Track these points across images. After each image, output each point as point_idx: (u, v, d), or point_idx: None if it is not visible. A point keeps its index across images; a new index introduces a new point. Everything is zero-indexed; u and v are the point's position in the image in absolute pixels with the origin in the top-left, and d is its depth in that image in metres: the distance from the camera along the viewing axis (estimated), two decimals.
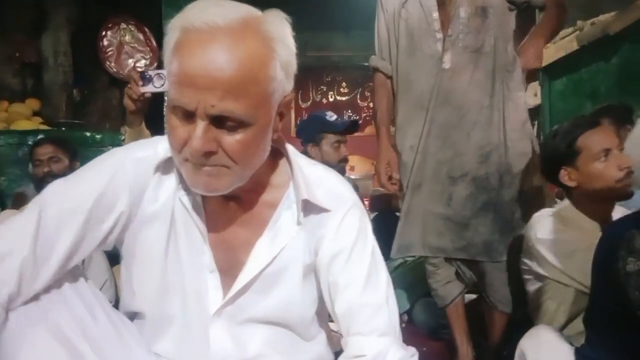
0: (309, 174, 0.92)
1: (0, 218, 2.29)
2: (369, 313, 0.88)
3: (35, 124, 3.74)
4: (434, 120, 1.89)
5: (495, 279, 1.90)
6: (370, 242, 0.93)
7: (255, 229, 0.90)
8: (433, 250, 1.95)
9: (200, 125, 0.75)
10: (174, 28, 0.77)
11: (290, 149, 0.94)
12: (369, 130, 6.65)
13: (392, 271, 2.49)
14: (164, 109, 3.40)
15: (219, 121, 0.76)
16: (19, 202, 2.89)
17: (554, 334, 1.25)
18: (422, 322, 2.33)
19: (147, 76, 1.74)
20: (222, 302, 0.90)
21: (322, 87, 6.89)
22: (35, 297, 0.81)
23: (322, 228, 0.91)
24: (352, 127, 2.59)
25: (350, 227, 0.91)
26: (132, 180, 0.88)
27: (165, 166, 0.89)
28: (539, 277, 1.56)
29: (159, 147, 0.89)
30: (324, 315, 1.01)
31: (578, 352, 1.17)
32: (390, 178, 2.00)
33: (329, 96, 6.84)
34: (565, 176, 1.51)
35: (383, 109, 2.04)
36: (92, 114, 4.18)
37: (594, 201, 1.50)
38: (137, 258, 0.91)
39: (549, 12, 1.92)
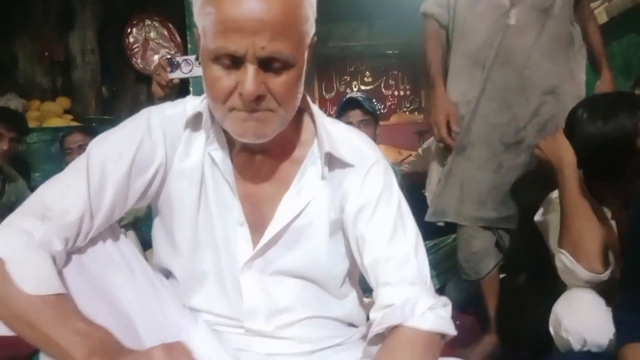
0: (332, 131, 0.93)
1: None
2: (396, 263, 0.88)
3: (66, 121, 3.83)
4: (490, 79, 1.80)
5: None
6: (396, 195, 0.94)
7: (282, 184, 0.93)
8: (469, 219, 1.89)
9: (251, 69, 0.76)
10: None
11: (315, 107, 0.95)
12: (395, 119, 6.59)
13: (427, 250, 2.46)
14: None
15: (265, 64, 0.77)
16: None
17: (590, 296, 1.21)
18: (454, 299, 2.31)
19: (175, 62, 1.77)
20: (252, 254, 0.92)
21: (345, 77, 6.85)
22: (79, 250, 0.84)
23: (347, 184, 0.92)
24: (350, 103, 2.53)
25: (375, 181, 0.92)
26: (166, 135, 0.91)
27: (194, 123, 0.92)
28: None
29: (187, 105, 0.93)
30: (354, 277, 1.02)
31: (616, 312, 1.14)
32: (449, 132, 1.87)
33: (353, 86, 6.80)
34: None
35: (437, 59, 1.93)
36: (120, 110, 4.25)
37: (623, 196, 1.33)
38: (171, 213, 0.94)
39: (592, 29, 1.89)
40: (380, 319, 0.85)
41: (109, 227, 0.89)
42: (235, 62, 0.77)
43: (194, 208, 0.92)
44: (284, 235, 0.92)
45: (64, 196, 0.82)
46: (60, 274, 0.79)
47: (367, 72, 6.82)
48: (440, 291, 2.41)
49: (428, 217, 1.95)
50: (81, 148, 2.59)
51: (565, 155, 1.38)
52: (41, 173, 3.50)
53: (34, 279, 0.74)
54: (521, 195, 1.83)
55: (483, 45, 1.81)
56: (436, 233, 2.39)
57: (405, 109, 6.82)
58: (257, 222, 0.92)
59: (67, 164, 2.64)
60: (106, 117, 4.02)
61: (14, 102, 3.86)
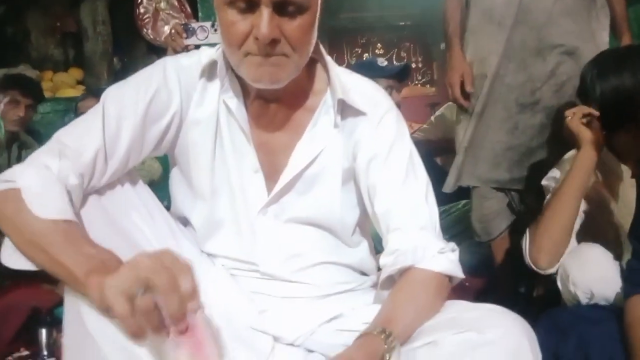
0: (345, 80, 0.95)
1: None
2: (407, 209, 0.91)
3: (79, 91, 3.86)
4: (508, 39, 1.78)
5: None
6: (408, 143, 0.96)
7: (295, 132, 0.95)
8: (483, 180, 1.89)
9: (266, 12, 0.78)
10: None
11: (328, 57, 0.96)
12: (406, 92, 6.53)
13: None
14: None
15: (280, 8, 0.79)
16: None
17: (598, 250, 1.23)
18: (464, 262, 2.33)
19: (191, 29, 1.79)
20: (266, 201, 0.94)
21: (357, 49, 6.79)
22: (100, 192, 0.87)
23: (359, 132, 0.94)
24: (403, 72, 2.53)
25: (387, 130, 0.94)
26: (182, 84, 0.93)
27: (209, 71, 0.93)
28: None
29: (202, 55, 0.94)
30: (365, 228, 1.04)
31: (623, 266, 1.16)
32: (463, 92, 1.88)
33: (364, 58, 6.73)
34: None
35: (455, 19, 1.92)
36: None
37: None
38: (188, 161, 0.96)
39: (616, 1, 1.82)
40: (393, 260, 0.88)
41: (128, 174, 0.92)
42: (250, 5, 0.79)
43: (210, 155, 0.95)
44: (297, 182, 0.94)
45: (81, 136, 0.86)
46: (79, 214, 0.82)
47: (379, 44, 6.75)
48: None
49: (449, 188, 1.95)
50: None
51: (584, 134, 1.36)
52: None
53: (46, 204, 0.76)
54: (536, 157, 1.82)
55: (503, 4, 1.79)
56: (447, 199, 2.40)
57: (417, 82, 6.75)
58: (271, 169, 0.94)
59: None
60: None
61: (27, 73, 3.90)
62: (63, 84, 3.91)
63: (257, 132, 0.94)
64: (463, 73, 1.87)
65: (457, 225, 2.43)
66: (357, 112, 0.94)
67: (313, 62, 0.95)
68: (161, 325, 0.63)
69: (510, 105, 1.81)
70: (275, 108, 0.94)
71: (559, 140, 1.75)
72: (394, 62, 6.83)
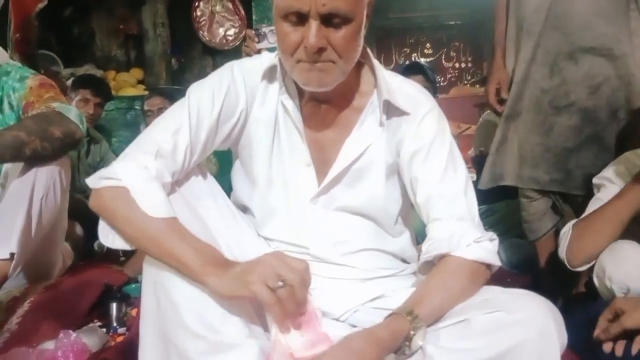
0: (390, 82, 1.04)
1: None
2: (447, 201, 0.98)
3: (139, 90, 4.09)
4: (540, 46, 1.82)
5: None
6: (448, 139, 1.03)
7: (344, 130, 1.04)
8: (526, 181, 1.92)
9: (314, 24, 0.88)
10: None
11: (375, 61, 1.05)
12: (454, 92, 6.47)
13: (480, 214, 2.51)
14: None
15: (327, 20, 0.89)
16: None
17: (634, 246, 1.25)
18: (505, 260, 2.36)
19: (262, 33, 1.89)
20: (317, 191, 1.04)
21: (405, 49, 6.78)
22: (178, 182, 0.99)
23: (402, 130, 1.03)
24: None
25: (429, 127, 1.02)
26: (247, 85, 1.04)
27: (269, 74, 1.04)
28: None
29: (264, 59, 1.06)
30: (407, 219, 1.13)
31: None
32: (500, 99, 1.95)
33: (413, 58, 6.70)
34: None
35: (501, 28, 1.98)
36: (189, 81, 4.37)
37: None
38: (250, 153, 1.07)
39: None
40: (429, 247, 0.97)
41: (198, 166, 1.04)
42: (300, 18, 0.89)
43: (269, 149, 1.06)
44: (345, 175, 1.03)
45: (173, 134, 0.96)
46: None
47: (428, 44, 6.72)
48: None
49: (484, 185, 1.99)
50: (160, 110, 2.76)
51: None
52: (118, 138, 3.79)
53: (155, 204, 0.88)
54: (575, 158, 1.83)
55: (533, 12, 1.82)
56: (490, 198, 2.43)
57: (466, 82, 6.69)
58: (321, 164, 1.04)
59: (146, 125, 2.88)
60: (175, 87, 4.25)
61: (91, 73, 4.15)
62: (125, 83, 4.14)
63: (310, 130, 1.05)
64: (500, 80, 1.94)
65: (500, 224, 2.46)
66: (401, 112, 1.02)
67: (361, 65, 1.05)
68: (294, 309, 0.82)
69: (545, 109, 1.84)
70: (326, 108, 1.04)
71: (597, 142, 1.78)
72: (443, 62, 6.81)
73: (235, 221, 1.05)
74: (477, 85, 6.67)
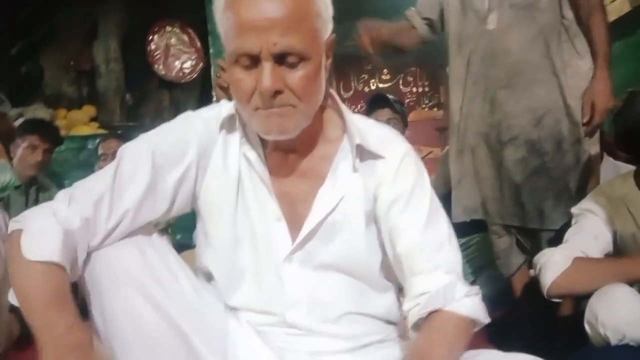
0: (360, 125, 0.96)
1: None
2: (431, 252, 0.91)
3: (93, 128, 3.92)
4: (479, 82, 1.84)
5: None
6: (428, 185, 0.96)
7: (315, 180, 0.95)
8: (493, 215, 1.91)
9: (267, 66, 0.80)
10: None
11: (342, 105, 0.97)
12: (414, 116, 6.54)
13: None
14: None
15: (281, 59, 0.81)
16: None
17: (628, 291, 1.21)
18: (485, 294, 2.31)
19: None
20: (292, 248, 0.94)
21: (363, 75, 6.84)
22: (117, 248, 0.88)
23: (379, 174, 0.94)
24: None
25: (408, 172, 0.94)
26: (201, 136, 0.94)
27: (229, 124, 0.95)
28: None
29: (222, 108, 0.96)
30: (392, 272, 1.02)
31: None
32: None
33: (371, 84, 6.78)
34: None
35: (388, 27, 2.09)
36: (144, 116, 4.33)
37: None
38: (211, 212, 0.97)
39: (593, 23, 1.73)
40: (425, 302, 0.88)
41: (147, 235, 0.92)
42: (252, 61, 0.82)
43: (232, 206, 0.95)
44: (320, 229, 0.94)
45: (92, 181, 0.89)
46: (92, 272, 0.86)
47: (385, 70, 6.80)
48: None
49: (457, 218, 1.96)
50: (115, 154, 2.66)
51: None
52: (70, 180, 3.58)
53: (36, 247, 0.79)
54: (527, 192, 1.82)
55: (471, 52, 1.85)
56: (464, 231, 2.39)
57: (424, 105, 6.78)
58: (293, 217, 0.95)
59: (99, 169, 2.73)
60: (131, 123, 4.11)
61: (41, 112, 3.95)
62: (77, 121, 3.98)
63: (278, 181, 0.95)
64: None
65: (476, 258, 2.41)
66: (376, 156, 0.94)
67: (326, 109, 0.98)
68: None
69: (493, 143, 1.85)
70: (294, 158, 0.96)
71: (545, 174, 1.78)
72: (401, 87, 6.89)
73: (197, 296, 0.93)
74: (436, 109, 6.76)
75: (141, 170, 0.89)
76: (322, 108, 0.95)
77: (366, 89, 6.86)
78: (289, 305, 0.95)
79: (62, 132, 3.75)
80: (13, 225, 0.84)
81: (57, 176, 3.43)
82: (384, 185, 0.94)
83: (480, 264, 2.37)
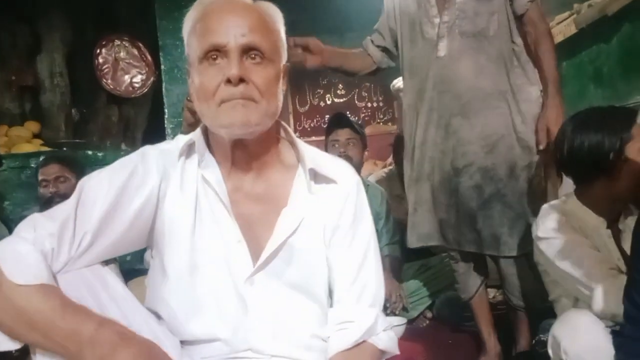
0: (313, 154, 1.04)
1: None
2: (360, 285, 1.00)
3: (36, 146, 3.72)
4: (433, 109, 1.84)
5: (508, 273, 1.85)
6: (368, 222, 1.04)
7: (273, 203, 1.00)
8: (451, 242, 1.90)
9: (234, 56, 0.90)
10: (190, 15, 0.96)
11: (294, 136, 1.05)
12: (369, 130, 6.55)
13: (415, 271, 2.45)
14: (165, 122, 3.40)
15: (246, 53, 0.91)
16: None
17: (588, 317, 1.21)
18: (446, 316, 2.30)
19: None
20: (253, 269, 0.95)
21: (318, 90, 6.84)
22: (71, 287, 0.85)
23: (330, 196, 1.02)
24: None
25: (353, 206, 1.02)
26: (160, 165, 0.97)
27: (188, 151, 1.00)
28: (546, 274, 1.54)
29: (179, 140, 1.01)
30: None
31: (617, 332, 1.14)
32: None
33: (327, 99, 6.79)
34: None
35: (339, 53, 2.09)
36: (92, 133, 4.16)
37: (614, 200, 1.43)
38: (169, 239, 0.96)
39: (542, 51, 1.77)
40: (352, 333, 0.97)
41: (98, 274, 0.90)
42: (221, 56, 0.90)
43: (189, 230, 0.96)
44: (282, 250, 0.97)
45: (54, 209, 0.91)
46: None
47: (340, 85, 6.82)
48: (429, 308, 2.40)
49: (412, 244, 1.98)
50: (58, 180, 2.48)
51: None
52: (12, 201, 3.37)
53: (22, 270, 0.79)
54: (482, 218, 1.82)
55: (423, 79, 1.86)
56: (423, 254, 2.39)
57: (379, 120, 6.84)
58: (253, 239, 0.97)
59: (42, 196, 2.55)
60: (77, 140, 3.93)
61: None
62: (19, 138, 3.76)
63: (236, 205, 0.97)
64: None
65: (434, 280, 2.40)
66: (329, 180, 1.02)
67: (280, 140, 1.05)
68: None
69: (447, 169, 1.85)
70: (251, 180, 1.00)
71: (500, 200, 1.79)
72: (356, 102, 6.94)
73: (150, 333, 0.89)
74: (390, 124, 6.83)
75: (102, 199, 0.90)
76: (277, 139, 1.04)
77: (322, 104, 6.87)
78: (253, 328, 0.95)
79: (3, 150, 3.55)
80: None
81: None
82: (333, 211, 1.01)
83: (439, 286, 2.37)
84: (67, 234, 0.87)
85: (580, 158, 1.43)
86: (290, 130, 1.05)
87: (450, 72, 1.80)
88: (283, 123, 1.04)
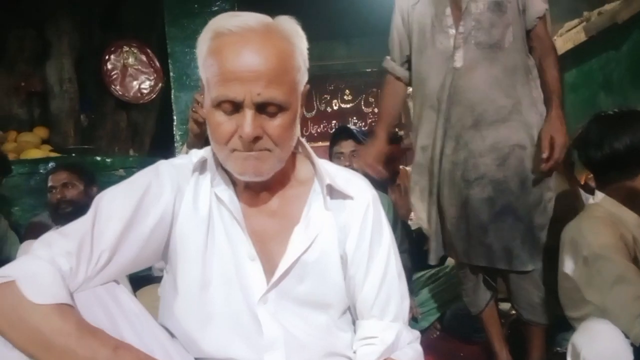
0: (328, 168, 1.03)
1: (22, 248, 2.26)
2: (382, 301, 1.00)
3: (44, 152, 3.72)
4: (444, 120, 1.83)
5: (520, 288, 1.83)
6: (387, 235, 1.03)
7: (287, 219, 0.99)
8: (461, 255, 1.89)
9: (249, 113, 0.86)
10: (204, 39, 0.90)
11: (311, 149, 1.03)
12: None
13: (424, 281, 2.44)
14: (174, 129, 3.40)
15: (261, 109, 0.87)
16: (35, 231, 2.86)
17: (608, 327, 1.20)
18: (455, 328, 2.28)
19: None
20: (267, 288, 0.95)
21: (325, 95, 6.88)
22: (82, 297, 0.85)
23: (347, 213, 1.01)
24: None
25: (372, 221, 1.01)
26: (174, 180, 0.97)
27: (201, 168, 0.99)
28: (577, 290, 1.49)
29: (192, 156, 1.01)
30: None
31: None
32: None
33: (333, 104, 6.84)
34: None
35: (386, 106, 2.09)
36: (100, 138, 4.17)
37: None
38: (179, 255, 0.96)
39: (547, 64, 1.80)
40: (377, 348, 0.98)
41: (112, 294, 0.88)
42: (235, 107, 0.87)
43: (202, 247, 0.95)
44: (295, 267, 0.96)
45: (70, 226, 0.89)
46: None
47: (347, 91, 6.87)
48: (440, 319, 2.38)
49: (434, 261, 1.97)
50: (65, 186, 2.48)
51: None
52: (20, 207, 3.37)
53: (41, 290, 0.78)
54: (493, 231, 1.80)
55: (435, 89, 1.84)
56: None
57: None
58: (266, 256, 0.96)
59: (50, 203, 2.55)
60: (86, 146, 3.93)
61: None
62: (28, 144, 3.77)
63: (250, 220, 0.97)
64: (379, 153, 2.00)
65: (444, 292, 2.38)
66: (345, 196, 1.00)
67: (297, 154, 1.04)
68: None
69: (458, 181, 1.84)
70: (265, 196, 1.00)
71: (511, 213, 1.77)
72: (362, 108, 6.95)
73: (162, 350, 0.89)
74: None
75: (118, 216, 0.90)
76: (294, 153, 1.02)
77: (328, 109, 6.90)
78: (266, 348, 0.94)
79: (12, 156, 3.56)
80: None
81: (6, 202, 3.23)
82: (352, 229, 1.00)
83: (449, 296, 2.34)
84: (84, 252, 0.86)
85: (622, 156, 1.48)
86: (307, 145, 1.03)
87: (465, 83, 1.79)
88: (300, 138, 1.02)
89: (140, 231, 0.91)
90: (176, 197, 0.96)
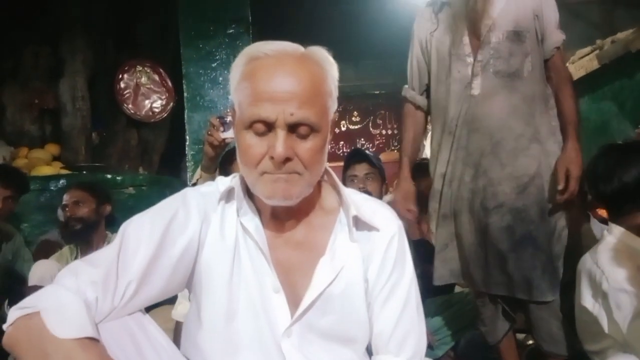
0: (355, 197, 1.01)
1: (34, 269, 2.25)
2: (400, 336, 0.98)
3: (55, 169, 3.74)
4: (462, 147, 1.82)
5: (539, 318, 1.79)
6: (410, 268, 1.01)
7: (312, 250, 0.97)
8: (477, 283, 1.86)
9: (281, 134, 0.86)
10: (239, 64, 0.91)
11: (337, 178, 1.02)
12: (384, 157, 6.57)
13: (438, 306, 2.40)
14: (186, 148, 3.40)
15: (293, 130, 0.87)
16: (45, 248, 2.85)
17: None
18: (470, 358, 2.24)
19: (227, 122, 1.76)
20: (292, 320, 0.93)
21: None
22: (113, 339, 0.83)
23: (371, 244, 0.99)
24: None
25: (395, 252, 0.99)
26: (200, 209, 0.95)
27: (227, 197, 0.98)
28: (596, 324, 1.47)
29: (219, 184, 1.00)
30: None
31: None
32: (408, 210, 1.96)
33: (342, 126, 6.84)
34: None
35: (408, 139, 2.02)
36: (111, 156, 4.18)
37: None
38: (204, 284, 0.94)
39: (563, 95, 1.80)
40: None
41: (140, 323, 0.88)
42: (267, 128, 0.87)
43: (227, 277, 0.94)
44: (320, 299, 0.95)
45: (96, 256, 0.89)
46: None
47: (355, 112, 6.88)
48: (454, 348, 2.34)
49: (440, 281, 1.93)
50: (76, 204, 2.49)
51: None
52: (30, 224, 3.37)
53: (65, 323, 0.77)
54: (512, 260, 1.77)
55: (453, 117, 1.84)
56: (444, 289, 2.33)
57: (393, 147, 6.86)
58: (290, 288, 0.95)
59: (62, 217, 2.55)
60: (96, 164, 3.94)
61: (0, 150, 3.77)
62: (39, 160, 3.79)
63: (275, 251, 0.95)
64: (406, 192, 1.96)
65: (457, 319, 2.34)
66: (370, 227, 0.99)
67: (322, 183, 1.02)
68: None
69: (477, 209, 1.81)
70: (291, 226, 0.98)
71: (531, 242, 1.75)
72: (370, 130, 6.96)
73: None
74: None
75: (144, 245, 0.89)
76: (320, 182, 1.00)
77: (336, 130, 6.90)
78: None
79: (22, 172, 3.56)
80: (17, 312, 0.80)
81: (16, 219, 3.22)
82: (375, 259, 0.98)
83: (463, 324, 2.30)
84: (110, 282, 0.85)
85: (632, 189, 1.49)
86: (334, 174, 1.02)
87: (483, 111, 1.78)
88: (326, 166, 1.00)
89: (167, 261, 0.90)
90: (202, 226, 0.94)
